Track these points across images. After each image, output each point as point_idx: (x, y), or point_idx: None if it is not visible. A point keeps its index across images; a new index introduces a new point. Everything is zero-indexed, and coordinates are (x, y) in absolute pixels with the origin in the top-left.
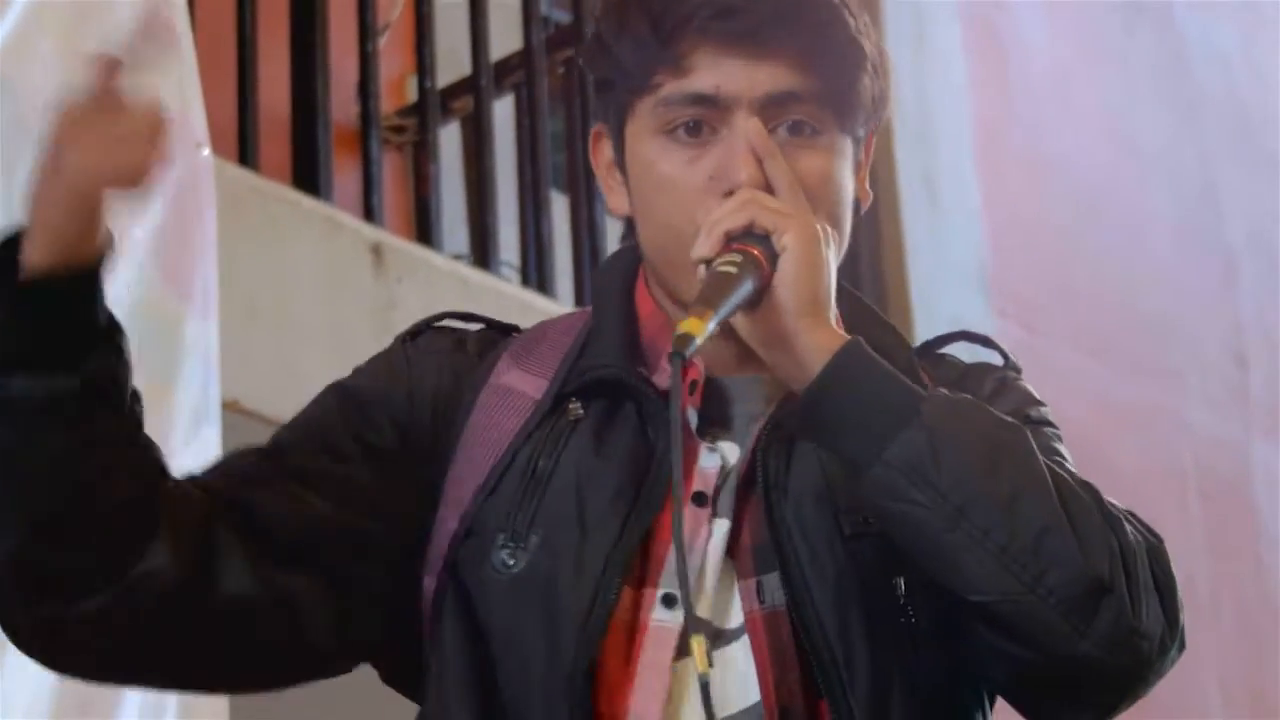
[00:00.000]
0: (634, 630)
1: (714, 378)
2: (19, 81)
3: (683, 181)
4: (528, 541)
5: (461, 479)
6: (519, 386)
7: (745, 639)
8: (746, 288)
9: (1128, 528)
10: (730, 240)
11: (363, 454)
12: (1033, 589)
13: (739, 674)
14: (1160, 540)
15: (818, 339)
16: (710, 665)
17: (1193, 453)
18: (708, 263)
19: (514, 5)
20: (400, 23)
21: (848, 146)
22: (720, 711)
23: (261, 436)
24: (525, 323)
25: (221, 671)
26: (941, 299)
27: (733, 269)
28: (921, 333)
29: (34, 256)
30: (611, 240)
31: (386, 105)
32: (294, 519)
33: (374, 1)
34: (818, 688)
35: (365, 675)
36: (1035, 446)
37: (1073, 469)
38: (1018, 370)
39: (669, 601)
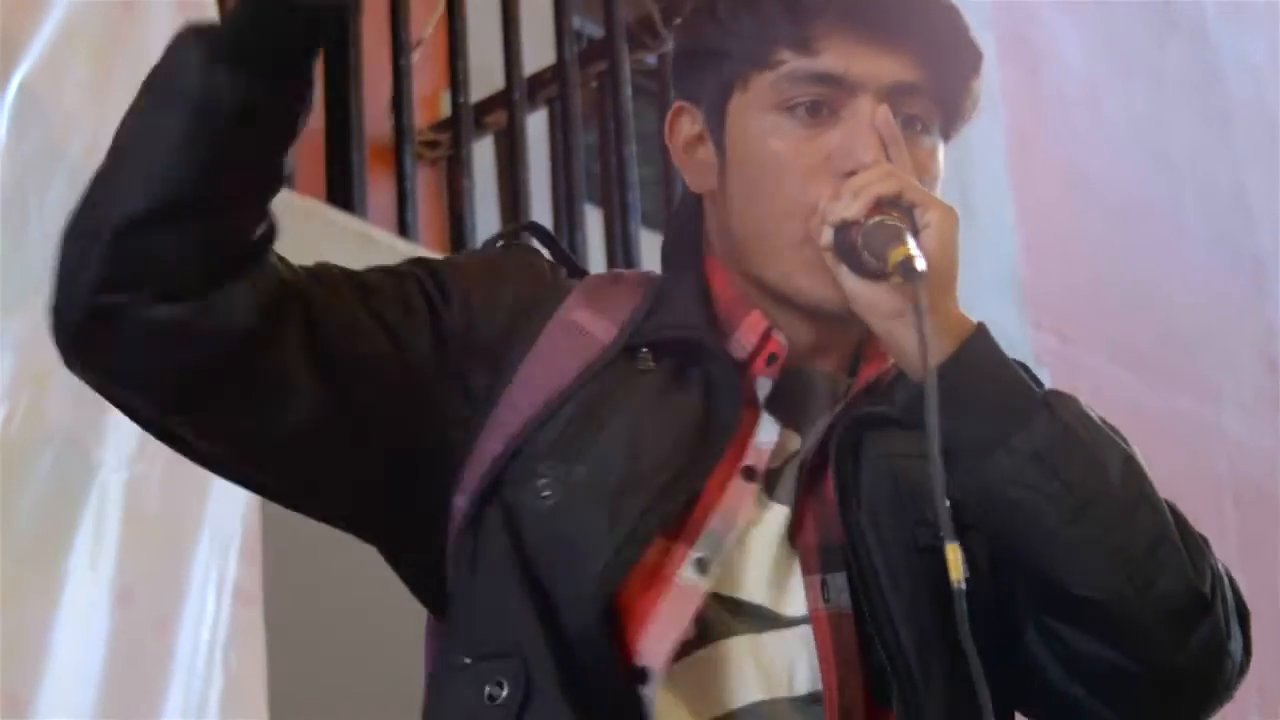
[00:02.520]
0: (656, 579)
1: (795, 366)
2: (50, 102)
3: (797, 159)
4: (570, 477)
5: (515, 404)
6: (588, 326)
7: (802, 630)
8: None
9: (1216, 559)
10: (879, 205)
11: (429, 323)
12: (1143, 593)
13: (792, 661)
14: (1235, 581)
15: (952, 317)
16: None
17: (1227, 460)
18: (847, 224)
19: (546, 20)
20: (433, 38)
21: (940, 146)
22: (770, 693)
23: None
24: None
25: (210, 418)
26: (976, 310)
27: (898, 224)
28: None
29: None
30: (645, 252)
31: (420, 120)
32: (347, 336)
33: (407, 17)
34: (879, 694)
35: (398, 681)
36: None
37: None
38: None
39: (701, 566)
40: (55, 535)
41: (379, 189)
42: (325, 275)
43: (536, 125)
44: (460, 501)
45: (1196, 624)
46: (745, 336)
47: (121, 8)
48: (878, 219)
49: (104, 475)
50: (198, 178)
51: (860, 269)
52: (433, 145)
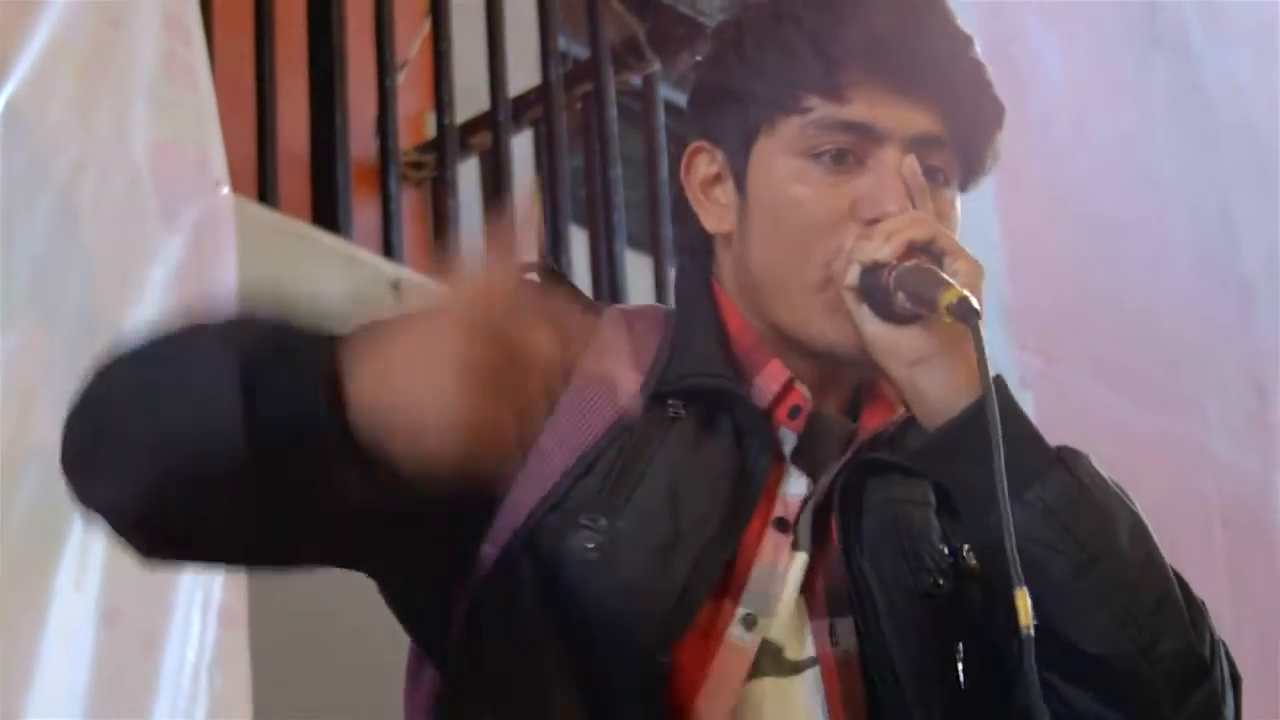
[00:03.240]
0: (708, 638)
1: (814, 411)
2: (36, 121)
3: (821, 205)
4: (614, 529)
5: (545, 454)
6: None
7: (811, 674)
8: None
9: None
10: (911, 250)
11: None
12: (1145, 653)
13: (802, 706)
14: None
15: (969, 368)
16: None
17: (1214, 482)
18: (878, 266)
19: (531, 41)
20: (418, 59)
21: (959, 202)
22: None
23: None
24: None
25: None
26: None
27: (935, 268)
28: None
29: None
30: (631, 274)
31: (405, 142)
32: None
33: (392, 38)
34: None
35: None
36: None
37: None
38: None
39: (749, 623)
40: (41, 554)
41: (364, 210)
42: None
43: (522, 146)
44: (489, 550)
45: (1196, 686)
46: (766, 385)
47: (108, 25)
48: (913, 263)
49: None
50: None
51: (884, 312)
52: (418, 166)
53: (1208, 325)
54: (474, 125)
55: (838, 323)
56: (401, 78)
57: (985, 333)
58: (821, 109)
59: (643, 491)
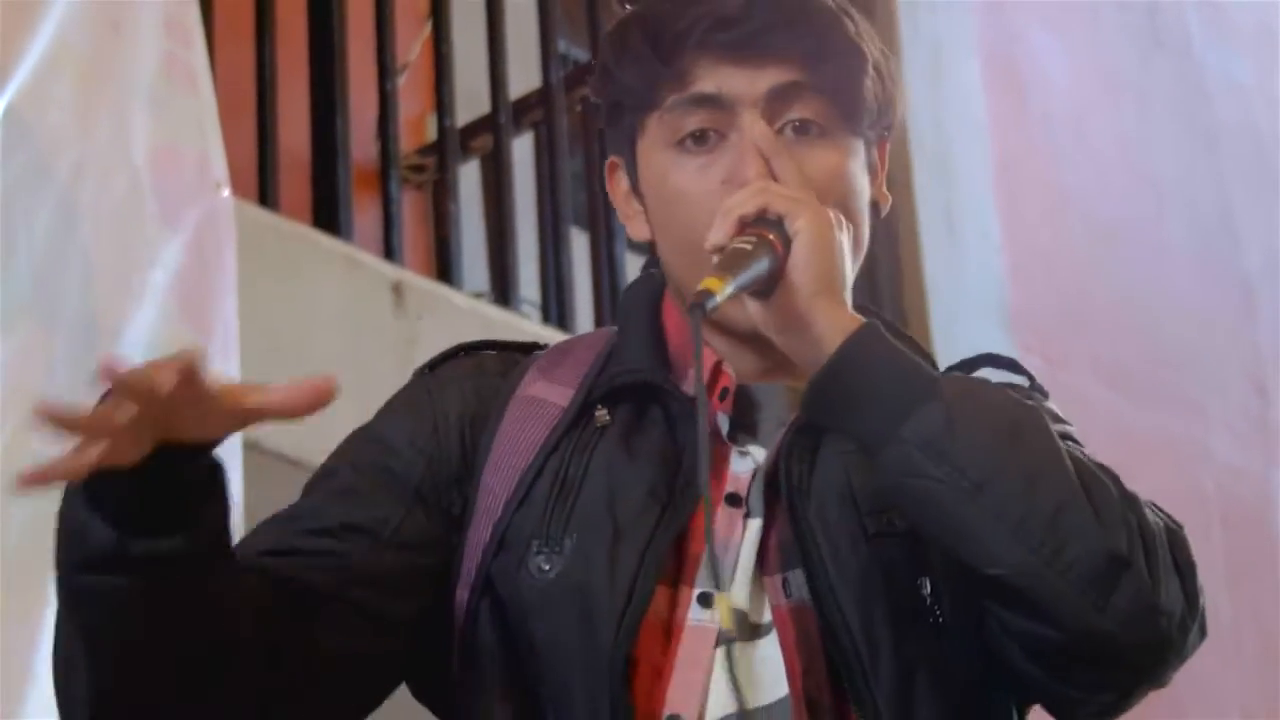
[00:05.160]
0: (670, 627)
1: (742, 385)
2: (37, 124)
3: (696, 189)
4: (562, 546)
5: (491, 489)
6: (545, 396)
7: (775, 634)
8: (762, 264)
9: (1146, 510)
10: (744, 225)
11: (394, 494)
12: (1050, 563)
13: (770, 668)
14: (1180, 527)
15: (834, 319)
16: (734, 638)
17: (1214, 482)
18: (721, 250)
19: (532, 44)
20: (419, 62)
21: (858, 146)
22: (752, 702)
23: (282, 477)
24: None
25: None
26: (962, 332)
27: (748, 246)
28: (942, 365)
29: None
30: (631, 277)
31: (406, 144)
32: (327, 577)
33: (393, 41)
34: (840, 682)
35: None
36: (1051, 426)
37: (1092, 456)
38: (1044, 393)
39: (705, 600)
40: (41, 556)
41: (365, 212)
42: (273, 546)
43: (522, 149)
44: (461, 595)
45: (1115, 585)
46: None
47: (109, 29)
48: (738, 240)
49: None
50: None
51: (749, 290)
52: (418, 169)
53: (1208, 326)
54: (475, 128)
55: (732, 306)
56: (402, 80)
57: (987, 333)
58: (672, 97)
59: (582, 503)
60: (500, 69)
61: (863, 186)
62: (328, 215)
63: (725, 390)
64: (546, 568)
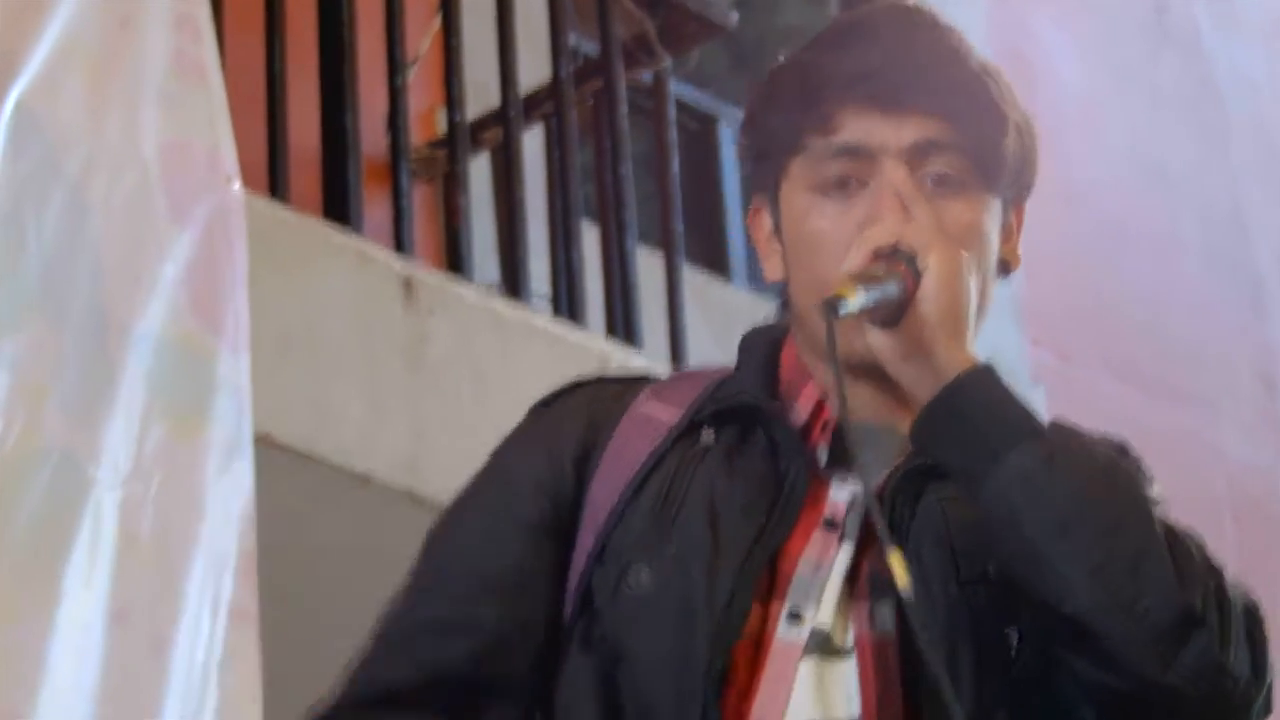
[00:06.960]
0: (760, 642)
1: (852, 421)
2: (47, 120)
3: (833, 231)
4: (663, 559)
5: (596, 501)
6: (656, 415)
7: (854, 659)
8: (892, 289)
9: (1228, 580)
10: (879, 257)
11: (530, 544)
12: (1126, 608)
13: (845, 688)
14: (1258, 607)
15: (954, 354)
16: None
17: (1226, 477)
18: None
19: (542, 37)
20: (429, 56)
21: (994, 205)
22: (825, 716)
23: (293, 470)
24: (555, 354)
25: None
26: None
27: (880, 273)
28: None
29: None
30: (642, 270)
31: (416, 138)
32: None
33: (402, 35)
34: (918, 716)
35: None
36: (1144, 486)
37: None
38: (1141, 469)
39: (794, 618)
40: (50, 554)
41: (375, 206)
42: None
43: (532, 142)
44: (569, 607)
45: (1186, 640)
46: (803, 406)
47: (119, 24)
48: (870, 269)
49: (99, 494)
50: None
51: (874, 319)
52: (429, 162)
53: (1219, 321)
54: (485, 121)
55: (854, 336)
56: (412, 74)
57: (999, 328)
58: (817, 142)
59: (683, 517)
60: (510, 62)
61: (994, 243)
62: (338, 209)
63: (825, 423)
64: (646, 580)
